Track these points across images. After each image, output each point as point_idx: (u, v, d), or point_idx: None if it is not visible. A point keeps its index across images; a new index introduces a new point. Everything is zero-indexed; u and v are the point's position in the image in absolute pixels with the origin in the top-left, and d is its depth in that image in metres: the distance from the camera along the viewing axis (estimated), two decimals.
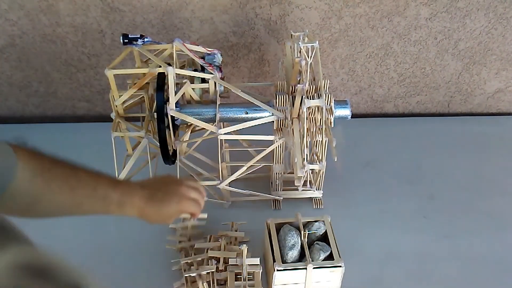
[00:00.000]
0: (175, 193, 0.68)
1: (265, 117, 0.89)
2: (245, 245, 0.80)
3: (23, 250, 0.34)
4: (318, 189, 1.02)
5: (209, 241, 0.90)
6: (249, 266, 0.81)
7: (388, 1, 1.09)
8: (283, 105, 0.89)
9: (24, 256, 0.34)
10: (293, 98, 0.88)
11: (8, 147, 0.53)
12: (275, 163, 0.97)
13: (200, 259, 0.86)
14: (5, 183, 0.52)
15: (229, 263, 0.81)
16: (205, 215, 0.94)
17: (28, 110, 1.29)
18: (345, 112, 0.92)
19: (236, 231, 0.93)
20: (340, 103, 0.92)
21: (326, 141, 0.92)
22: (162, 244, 0.93)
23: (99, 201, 0.64)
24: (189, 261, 0.85)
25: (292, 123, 0.89)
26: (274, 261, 0.79)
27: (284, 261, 0.80)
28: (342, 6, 1.10)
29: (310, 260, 0.79)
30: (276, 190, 1.02)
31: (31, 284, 0.33)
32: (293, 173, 0.88)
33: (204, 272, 0.82)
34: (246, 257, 0.80)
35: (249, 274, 0.81)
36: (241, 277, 0.81)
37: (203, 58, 0.89)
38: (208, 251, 0.86)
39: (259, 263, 0.81)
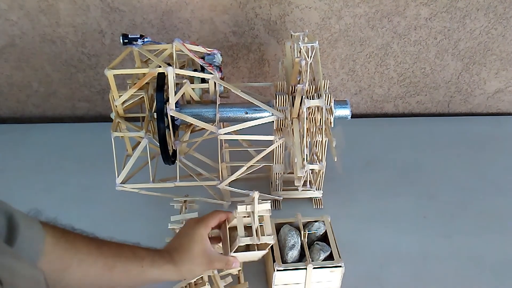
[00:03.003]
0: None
1: (265, 117, 0.89)
2: (256, 191, 0.70)
3: None
4: (318, 189, 1.02)
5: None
6: (260, 211, 0.72)
7: (388, 1, 1.09)
8: (283, 105, 0.89)
9: None
10: (293, 98, 0.88)
11: (35, 221, 0.52)
12: (275, 163, 0.97)
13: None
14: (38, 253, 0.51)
15: (238, 210, 0.72)
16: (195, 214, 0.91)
17: (28, 110, 1.29)
18: (345, 112, 0.92)
19: None
20: (340, 103, 0.92)
21: (326, 141, 0.92)
22: (161, 245, 0.93)
23: (129, 258, 0.64)
24: None
25: (292, 123, 0.89)
26: (274, 261, 0.79)
27: (284, 261, 0.80)
28: (342, 6, 1.10)
29: (310, 260, 0.79)
30: (276, 190, 1.02)
31: None
32: (293, 173, 0.88)
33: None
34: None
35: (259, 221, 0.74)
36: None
37: (203, 58, 0.89)
38: None
39: (269, 208, 0.73)
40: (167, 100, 0.84)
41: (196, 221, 0.72)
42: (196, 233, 0.69)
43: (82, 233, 0.61)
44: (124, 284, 0.64)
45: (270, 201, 0.72)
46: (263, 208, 0.71)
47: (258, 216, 0.71)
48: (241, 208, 0.70)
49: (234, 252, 0.71)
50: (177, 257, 0.68)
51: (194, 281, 0.80)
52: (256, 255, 0.73)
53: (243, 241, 0.69)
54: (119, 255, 0.63)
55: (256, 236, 0.69)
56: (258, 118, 0.89)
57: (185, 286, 0.79)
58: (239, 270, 0.86)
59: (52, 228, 0.56)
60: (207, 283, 0.80)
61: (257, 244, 0.71)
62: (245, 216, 0.71)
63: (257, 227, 0.70)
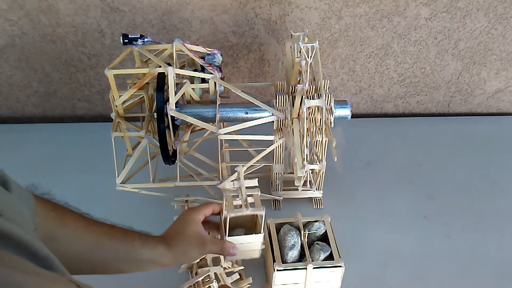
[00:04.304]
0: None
1: (265, 117, 0.89)
2: (241, 165, 0.73)
3: None
4: (318, 189, 1.02)
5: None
6: (248, 189, 0.74)
7: (388, 1, 1.09)
8: (283, 105, 0.89)
9: None
10: (293, 98, 0.88)
11: (26, 190, 0.53)
12: (275, 163, 0.97)
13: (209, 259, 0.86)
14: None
15: (226, 187, 0.74)
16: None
17: (28, 110, 1.29)
18: (345, 112, 0.92)
19: None
20: (340, 103, 0.92)
21: (326, 141, 0.92)
22: None
23: (119, 237, 0.65)
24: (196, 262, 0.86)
25: (292, 123, 0.89)
26: (274, 261, 0.79)
27: (284, 261, 0.80)
28: (342, 6, 1.10)
29: (310, 260, 0.79)
30: (276, 190, 1.02)
31: None
32: (293, 173, 0.88)
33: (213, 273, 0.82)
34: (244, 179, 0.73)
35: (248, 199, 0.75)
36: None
37: (203, 58, 0.89)
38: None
39: (257, 185, 0.74)
40: (167, 100, 0.84)
41: (190, 208, 0.75)
42: (189, 217, 0.71)
43: (74, 210, 0.63)
44: (114, 262, 0.65)
45: (257, 178, 0.72)
46: (250, 184, 0.72)
47: (248, 194, 0.72)
48: (228, 185, 0.72)
49: (229, 236, 0.71)
50: (171, 240, 0.69)
51: (202, 279, 0.81)
52: (252, 239, 0.73)
53: (233, 212, 0.69)
54: (109, 233, 0.64)
55: (245, 207, 0.70)
56: (258, 118, 0.89)
57: (193, 284, 0.80)
58: (241, 268, 0.86)
59: (43, 201, 0.58)
60: (214, 280, 0.80)
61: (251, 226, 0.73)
62: (234, 195, 0.72)
63: (245, 199, 0.71)
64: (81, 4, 1.08)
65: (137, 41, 0.85)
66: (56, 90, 1.24)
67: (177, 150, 0.90)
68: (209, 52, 0.90)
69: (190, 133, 0.92)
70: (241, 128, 0.87)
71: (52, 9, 1.09)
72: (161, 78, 0.83)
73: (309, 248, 0.82)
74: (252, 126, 0.87)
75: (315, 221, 0.86)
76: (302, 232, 0.83)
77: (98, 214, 1.00)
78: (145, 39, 0.85)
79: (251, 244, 0.74)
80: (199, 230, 0.71)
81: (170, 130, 0.87)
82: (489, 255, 0.94)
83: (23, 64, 1.19)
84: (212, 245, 0.70)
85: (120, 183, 0.91)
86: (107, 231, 0.65)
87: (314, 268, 0.78)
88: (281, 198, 1.03)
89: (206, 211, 0.73)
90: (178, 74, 0.85)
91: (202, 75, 0.87)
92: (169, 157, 0.89)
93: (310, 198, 1.04)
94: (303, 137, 0.85)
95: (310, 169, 0.88)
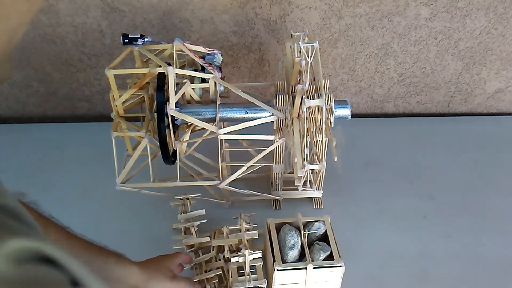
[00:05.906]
0: None
1: (265, 117, 0.89)
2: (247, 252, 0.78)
3: (30, 238, 0.32)
4: (318, 189, 1.02)
5: (214, 237, 0.91)
6: (251, 260, 0.80)
7: (388, 1, 1.09)
8: (283, 105, 0.89)
9: (30, 243, 0.33)
10: (293, 98, 0.88)
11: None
12: (275, 163, 0.97)
13: (208, 258, 0.87)
14: None
15: (231, 260, 0.80)
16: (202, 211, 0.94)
17: (28, 110, 1.29)
18: (345, 112, 0.92)
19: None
20: (340, 103, 0.92)
21: (326, 141, 0.92)
22: (166, 244, 0.93)
23: (96, 252, 0.68)
24: (197, 262, 0.87)
25: (292, 123, 0.89)
26: (274, 261, 0.79)
27: (284, 261, 0.80)
28: (342, 6, 1.10)
29: (310, 260, 0.79)
30: (276, 190, 1.02)
31: (36, 270, 0.31)
32: (293, 173, 0.88)
33: (212, 275, 0.84)
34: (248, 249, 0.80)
35: (251, 267, 0.80)
36: (243, 272, 0.81)
37: (203, 58, 0.89)
38: (213, 240, 0.88)
39: (261, 256, 0.80)
40: (167, 100, 0.84)
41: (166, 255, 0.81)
42: (166, 256, 0.79)
43: (56, 223, 0.65)
44: None
45: (261, 251, 0.79)
46: (255, 256, 0.78)
47: (251, 266, 0.79)
48: (234, 258, 0.78)
49: None
50: (145, 265, 0.74)
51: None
52: None
53: (237, 283, 0.77)
54: (87, 247, 0.67)
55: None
56: (258, 118, 0.89)
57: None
58: None
59: (28, 209, 0.59)
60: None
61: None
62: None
63: (249, 272, 0.78)
64: (81, 4, 1.08)
65: (137, 41, 0.85)
66: (56, 90, 1.24)
67: (177, 150, 0.90)
68: (209, 52, 0.90)
69: (190, 133, 0.92)
70: (241, 128, 0.87)
71: (52, 9, 1.09)
72: (161, 78, 0.83)
73: (309, 248, 0.82)
74: (252, 126, 0.87)
75: (315, 221, 0.86)
76: (302, 232, 0.83)
77: (98, 214, 1.00)
78: (145, 39, 0.85)
79: None
80: (173, 266, 0.78)
81: (170, 130, 0.87)
82: (489, 255, 0.94)
83: (23, 64, 1.19)
84: (182, 280, 0.77)
85: (120, 183, 0.91)
86: (85, 245, 0.67)
87: (314, 268, 0.78)
88: (281, 198, 1.03)
89: (176, 260, 0.80)
90: (178, 74, 0.85)
91: (202, 75, 0.87)
92: (169, 157, 0.89)
93: (310, 198, 1.04)
94: (303, 137, 0.85)
95: (310, 169, 0.88)
